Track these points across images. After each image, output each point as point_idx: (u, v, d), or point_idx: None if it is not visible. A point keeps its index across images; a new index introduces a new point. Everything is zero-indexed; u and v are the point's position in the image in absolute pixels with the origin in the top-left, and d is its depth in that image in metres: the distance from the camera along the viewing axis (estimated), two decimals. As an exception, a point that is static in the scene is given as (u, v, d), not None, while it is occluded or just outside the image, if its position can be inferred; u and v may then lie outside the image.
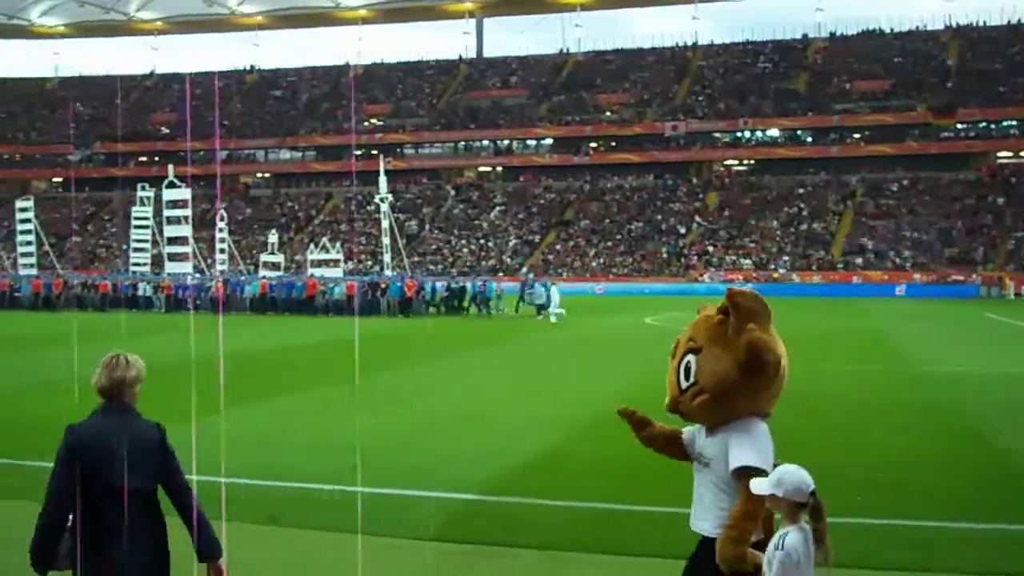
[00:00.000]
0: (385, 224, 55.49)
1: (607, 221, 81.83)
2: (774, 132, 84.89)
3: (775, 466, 4.84)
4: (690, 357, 5.39)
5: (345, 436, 13.44)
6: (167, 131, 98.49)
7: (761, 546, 4.75)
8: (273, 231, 68.12)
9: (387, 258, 56.44)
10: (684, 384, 5.37)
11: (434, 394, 19.28)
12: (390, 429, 14.30)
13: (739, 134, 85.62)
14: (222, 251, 62.00)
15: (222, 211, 67.93)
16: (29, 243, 64.67)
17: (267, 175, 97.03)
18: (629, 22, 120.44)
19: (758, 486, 4.72)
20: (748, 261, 73.68)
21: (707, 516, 5.16)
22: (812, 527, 4.64)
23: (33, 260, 64.27)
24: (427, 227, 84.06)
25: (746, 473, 4.86)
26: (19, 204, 65.99)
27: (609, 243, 79.07)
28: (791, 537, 4.58)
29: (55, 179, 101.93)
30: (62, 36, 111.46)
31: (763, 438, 5.08)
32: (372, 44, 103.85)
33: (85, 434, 5.06)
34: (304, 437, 14.19)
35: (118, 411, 5.21)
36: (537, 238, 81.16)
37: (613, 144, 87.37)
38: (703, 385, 5.28)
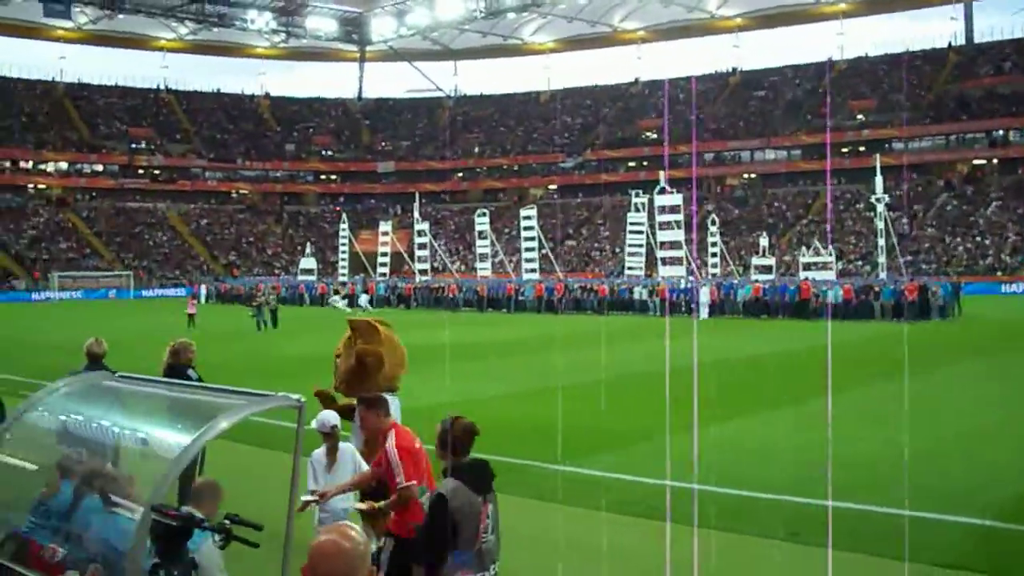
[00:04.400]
0: (880, 225, 54.52)
1: (1119, 213, 75.82)
2: None
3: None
4: (338, 359, 9.62)
5: (850, 451, 13.63)
6: (654, 136, 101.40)
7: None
8: (763, 234, 68.63)
9: (881, 260, 55.36)
10: (338, 377, 9.62)
11: (939, 408, 18.91)
12: (893, 444, 14.18)
13: None
14: (714, 255, 63.30)
15: (713, 216, 69.16)
16: (531, 249, 68.79)
17: (753, 176, 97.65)
18: None
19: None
20: None
21: None
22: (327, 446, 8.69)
23: (535, 265, 68.35)
24: (919, 225, 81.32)
25: None
26: (523, 212, 70.40)
27: (1123, 238, 73.28)
28: (316, 451, 8.67)
29: (550, 186, 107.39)
30: (552, 51, 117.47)
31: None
32: (855, 38, 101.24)
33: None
34: (806, 450, 14.36)
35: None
36: (1038, 233, 76.55)
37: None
38: (341, 377, 9.58)
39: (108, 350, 11.07)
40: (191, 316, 44.78)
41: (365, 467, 8.42)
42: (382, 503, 7.52)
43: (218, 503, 6.50)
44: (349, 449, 8.64)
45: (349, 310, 49.05)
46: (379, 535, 7.65)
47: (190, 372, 11.17)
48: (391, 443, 7.50)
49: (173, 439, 6.06)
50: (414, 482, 7.35)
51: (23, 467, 7.24)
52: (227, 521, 6.00)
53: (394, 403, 9.06)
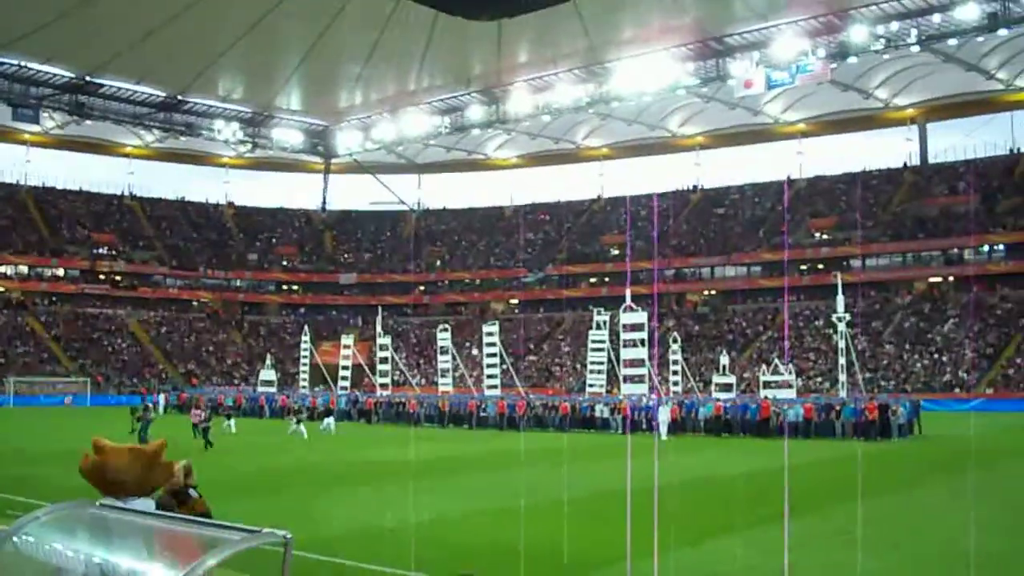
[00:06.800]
0: (841, 344, 55.12)
1: (1072, 331, 77.00)
2: None
3: None
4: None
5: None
6: (616, 252, 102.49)
7: None
8: (724, 352, 69.16)
9: (842, 378, 55.88)
10: None
11: (913, 530, 19.03)
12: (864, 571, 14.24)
13: None
14: (675, 372, 63.66)
15: (675, 333, 69.75)
16: (493, 365, 68.91)
17: (714, 292, 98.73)
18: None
19: None
20: None
21: None
22: None
23: (497, 381, 68.35)
24: (878, 342, 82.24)
25: None
26: (486, 328, 70.72)
27: (1076, 355, 74.34)
28: None
29: (512, 301, 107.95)
30: (516, 167, 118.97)
31: None
32: (814, 156, 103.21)
33: None
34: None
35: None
36: (994, 351, 77.51)
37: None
38: None
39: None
40: (195, 426, 43.70)
41: None
42: None
43: None
44: None
45: (300, 433, 48.60)
46: None
47: (192, 492, 11.51)
48: None
49: (160, 576, 6.11)
50: None
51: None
52: None
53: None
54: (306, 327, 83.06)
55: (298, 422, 50.30)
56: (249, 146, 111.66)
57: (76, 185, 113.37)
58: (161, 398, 74.54)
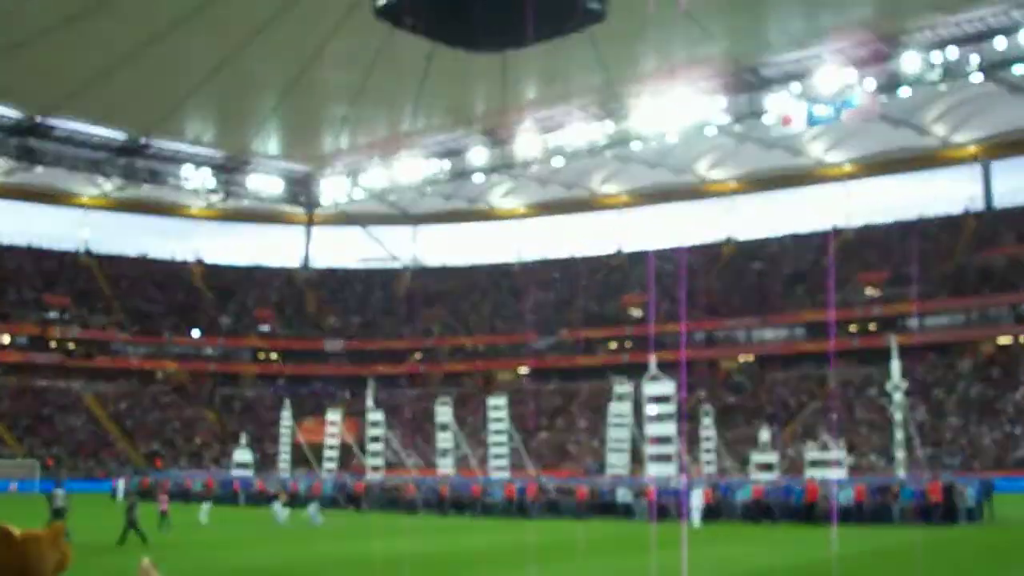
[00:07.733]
0: (898, 416, 54.51)
1: None
2: None
3: None
4: None
5: None
6: (638, 314, 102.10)
7: None
8: (763, 427, 68.59)
9: (899, 455, 55.24)
10: None
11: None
12: None
13: None
14: (707, 450, 63.13)
15: (707, 405, 69.29)
16: (500, 443, 68.12)
17: (750, 358, 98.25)
18: None
19: None
20: None
21: None
22: None
23: (504, 462, 67.61)
24: (939, 413, 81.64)
25: None
26: (491, 401, 69.95)
27: None
28: None
29: (521, 370, 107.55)
30: (523, 217, 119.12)
31: None
32: (862, 203, 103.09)
33: None
34: None
35: None
36: (1075, 421, 77.07)
37: None
38: None
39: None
40: (163, 513, 45.78)
41: None
42: None
43: None
44: None
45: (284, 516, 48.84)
46: None
47: None
48: None
49: None
50: None
51: None
52: None
53: None
54: (286, 401, 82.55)
55: (284, 505, 50.42)
56: (221, 195, 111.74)
57: (24, 240, 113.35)
58: (121, 483, 74.14)
